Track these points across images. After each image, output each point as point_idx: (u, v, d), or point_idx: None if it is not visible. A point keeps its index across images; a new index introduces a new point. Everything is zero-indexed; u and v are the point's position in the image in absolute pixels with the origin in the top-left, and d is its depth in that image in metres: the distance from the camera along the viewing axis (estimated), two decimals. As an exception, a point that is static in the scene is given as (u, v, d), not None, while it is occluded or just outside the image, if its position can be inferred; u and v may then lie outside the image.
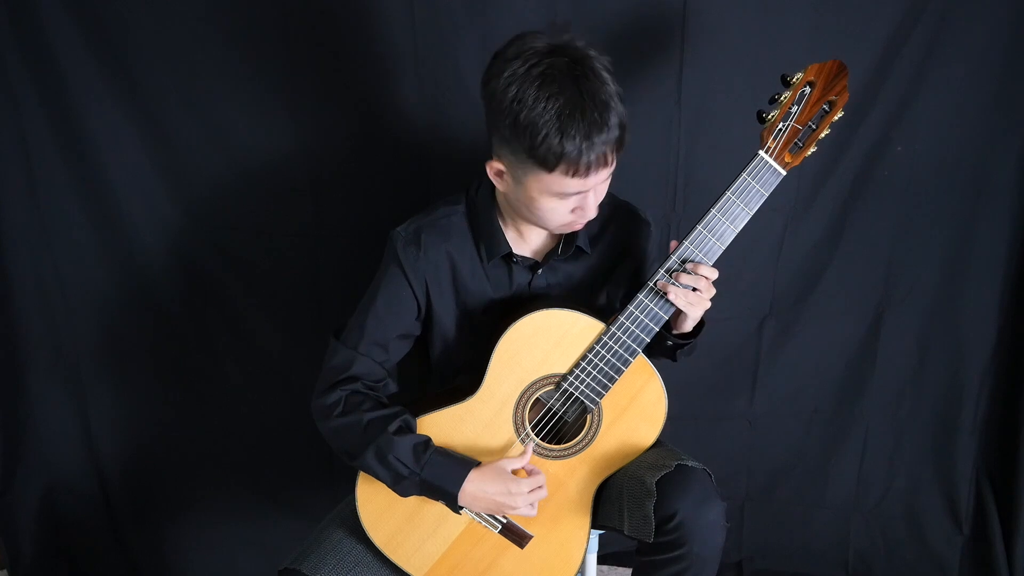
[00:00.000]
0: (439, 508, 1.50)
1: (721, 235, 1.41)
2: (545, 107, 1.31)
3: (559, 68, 1.32)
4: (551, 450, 1.51)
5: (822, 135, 1.40)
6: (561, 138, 1.31)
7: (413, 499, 1.49)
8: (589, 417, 1.51)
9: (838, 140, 1.83)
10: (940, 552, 2.23)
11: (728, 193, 1.40)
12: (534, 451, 1.51)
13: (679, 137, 1.92)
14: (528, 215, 1.46)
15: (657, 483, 1.39)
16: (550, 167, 1.34)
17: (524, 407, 1.49)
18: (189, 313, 2.06)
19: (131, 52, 1.86)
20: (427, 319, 1.57)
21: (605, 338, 1.44)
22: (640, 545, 1.45)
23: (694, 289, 1.42)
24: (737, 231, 1.41)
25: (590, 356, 1.45)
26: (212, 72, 1.88)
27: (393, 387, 1.56)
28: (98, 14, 1.83)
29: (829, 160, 1.93)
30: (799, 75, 1.36)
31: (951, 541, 2.23)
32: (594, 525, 1.56)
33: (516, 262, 1.54)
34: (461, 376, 1.57)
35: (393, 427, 1.45)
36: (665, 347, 1.56)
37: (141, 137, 1.92)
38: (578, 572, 1.56)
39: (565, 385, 1.47)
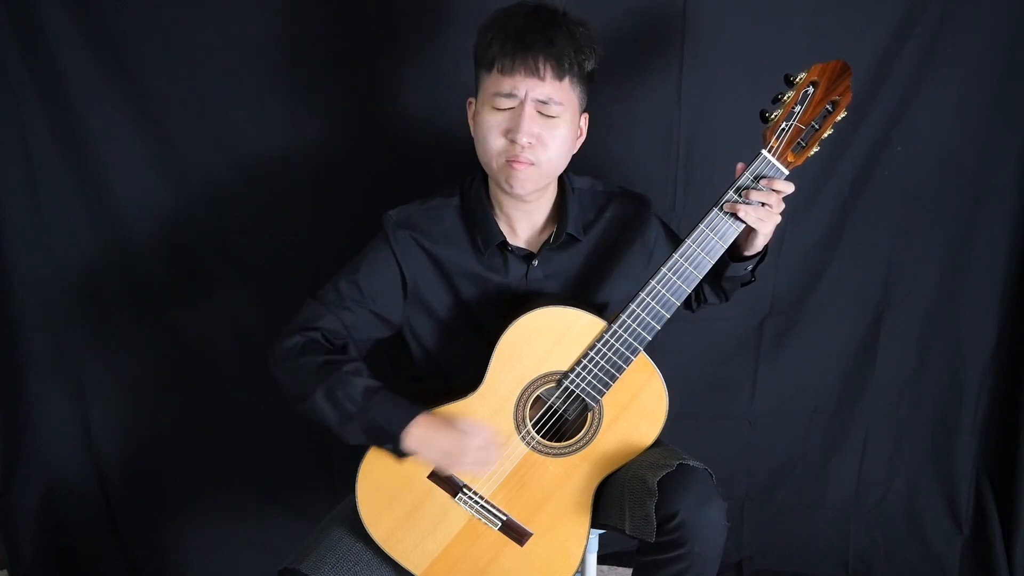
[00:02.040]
0: (439, 505, 1.50)
1: (724, 234, 1.41)
2: (497, 17, 1.44)
3: (527, 5, 1.45)
4: (551, 448, 1.51)
5: (825, 135, 1.40)
6: (499, 32, 1.41)
7: (413, 495, 1.49)
8: (590, 415, 1.50)
9: (838, 140, 1.83)
10: (940, 552, 2.23)
11: (731, 192, 1.40)
12: (535, 448, 1.51)
13: (679, 137, 1.93)
14: (479, 150, 1.49)
15: (659, 482, 1.39)
16: (488, 64, 1.42)
17: (525, 405, 1.49)
18: (189, 313, 2.06)
19: (131, 52, 1.87)
20: (423, 312, 1.57)
21: (607, 336, 1.43)
22: (641, 545, 1.44)
23: (763, 204, 1.40)
24: (740, 230, 1.41)
25: (591, 354, 1.45)
26: (212, 72, 1.88)
27: (354, 354, 1.55)
28: (98, 14, 1.84)
29: (829, 160, 1.94)
30: (802, 75, 1.36)
31: (951, 541, 2.23)
32: (594, 524, 1.56)
33: (511, 251, 1.55)
34: (461, 373, 1.57)
35: (349, 368, 1.45)
36: (725, 282, 1.60)
37: (141, 137, 1.93)
38: (578, 572, 1.56)
39: (566, 383, 1.47)
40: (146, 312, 2.06)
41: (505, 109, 1.43)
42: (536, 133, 1.44)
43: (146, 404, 2.14)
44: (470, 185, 1.58)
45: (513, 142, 1.44)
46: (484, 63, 1.44)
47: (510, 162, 1.45)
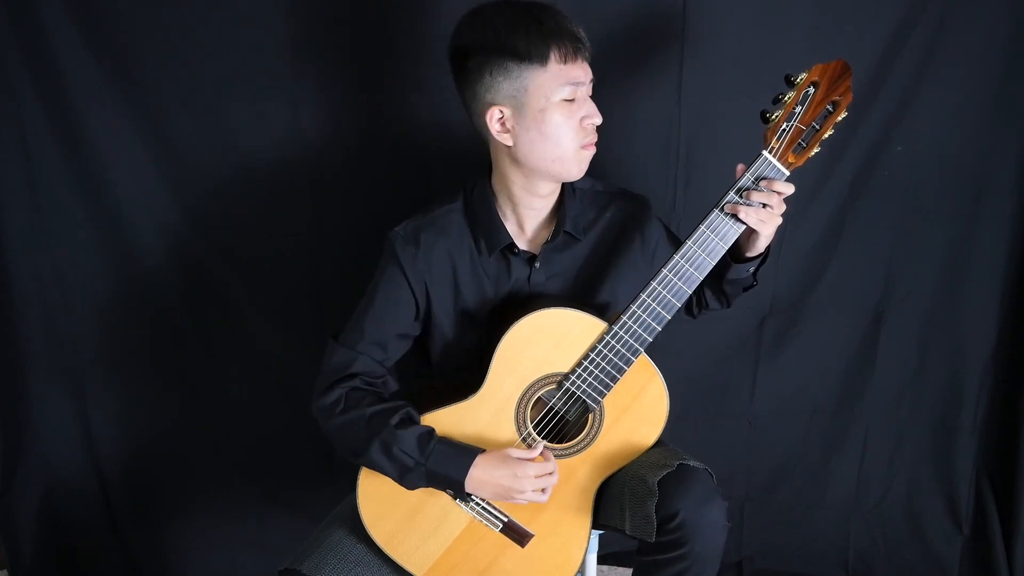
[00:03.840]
0: (440, 506, 1.50)
1: (724, 235, 1.41)
2: (515, 13, 1.41)
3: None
4: (553, 449, 1.51)
5: (826, 135, 1.40)
6: (540, 25, 1.39)
7: (414, 497, 1.49)
8: (591, 416, 1.50)
9: (838, 140, 1.83)
10: (940, 552, 2.23)
11: (731, 193, 1.40)
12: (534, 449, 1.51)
13: (679, 137, 1.92)
14: (544, 150, 1.45)
15: (659, 482, 1.39)
16: (544, 58, 1.39)
17: (526, 406, 1.49)
18: (189, 313, 2.06)
19: (131, 52, 1.86)
20: (427, 318, 1.57)
21: (607, 337, 1.43)
22: (641, 545, 1.44)
23: (764, 206, 1.40)
24: (740, 231, 1.41)
25: (592, 355, 1.45)
26: (212, 72, 1.88)
27: (393, 385, 1.58)
28: (98, 14, 1.83)
29: (829, 160, 1.94)
30: (803, 75, 1.36)
31: (951, 541, 2.23)
32: (595, 525, 1.56)
33: (516, 254, 1.55)
34: (463, 374, 1.57)
35: (395, 420, 1.46)
36: (727, 286, 1.59)
37: (141, 137, 1.93)
38: (578, 572, 1.56)
39: (567, 384, 1.47)
40: (146, 312, 2.05)
41: (571, 99, 1.43)
42: None
43: (146, 404, 2.14)
44: (472, 189, 1.57)
45: (588, 127, 1.45)
46: (530, 58, 1.38)
47: (584, 147, 1.46)
